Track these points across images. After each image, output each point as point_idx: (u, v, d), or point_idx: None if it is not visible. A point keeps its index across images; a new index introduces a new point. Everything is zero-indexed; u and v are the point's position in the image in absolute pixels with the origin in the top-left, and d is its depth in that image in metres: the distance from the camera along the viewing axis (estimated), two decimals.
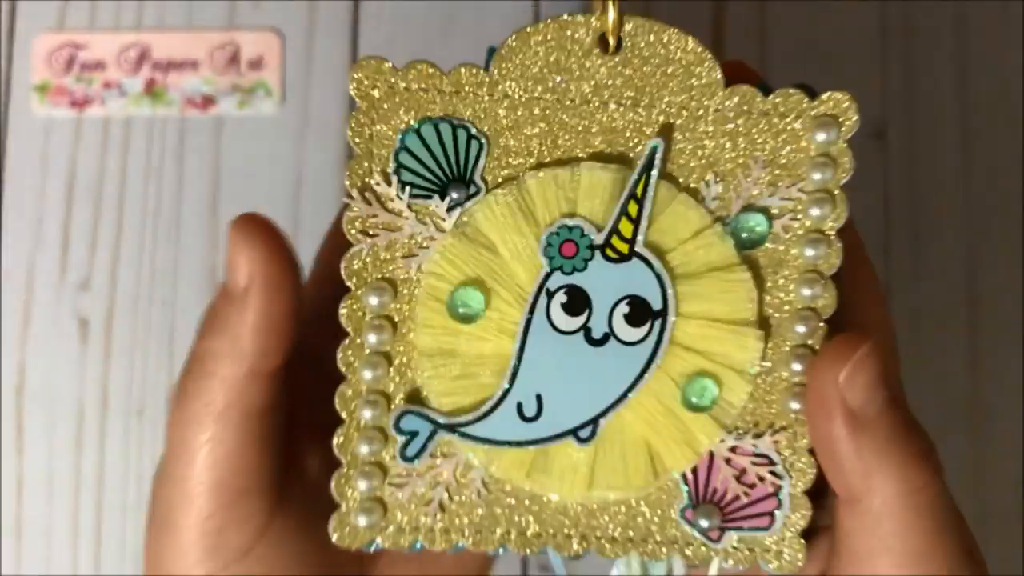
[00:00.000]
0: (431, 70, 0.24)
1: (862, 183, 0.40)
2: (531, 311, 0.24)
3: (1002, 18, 0.44)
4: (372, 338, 0.24)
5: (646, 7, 0.43)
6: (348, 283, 0.24)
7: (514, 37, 0.24)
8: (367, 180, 0.24)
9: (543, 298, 0.24)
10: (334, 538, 0.25)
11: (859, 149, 0.41)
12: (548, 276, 0.24)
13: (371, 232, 0.24)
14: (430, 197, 0.24)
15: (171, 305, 0.43)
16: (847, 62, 0.44)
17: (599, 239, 0.24)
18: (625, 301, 0.24)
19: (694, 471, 0.25)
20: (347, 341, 0.24)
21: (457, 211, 0.24)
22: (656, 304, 0.24)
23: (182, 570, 0.25)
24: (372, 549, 0.25)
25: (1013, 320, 0.43)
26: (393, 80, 0.24)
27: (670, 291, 0.24)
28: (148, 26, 0.44)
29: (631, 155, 0.24)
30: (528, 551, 0.25)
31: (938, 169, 0.43)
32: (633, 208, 0.24)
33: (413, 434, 0.24)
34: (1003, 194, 0.43)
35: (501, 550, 0.25)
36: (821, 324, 0.24)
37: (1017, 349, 0.42)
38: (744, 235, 0.24)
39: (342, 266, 0.24)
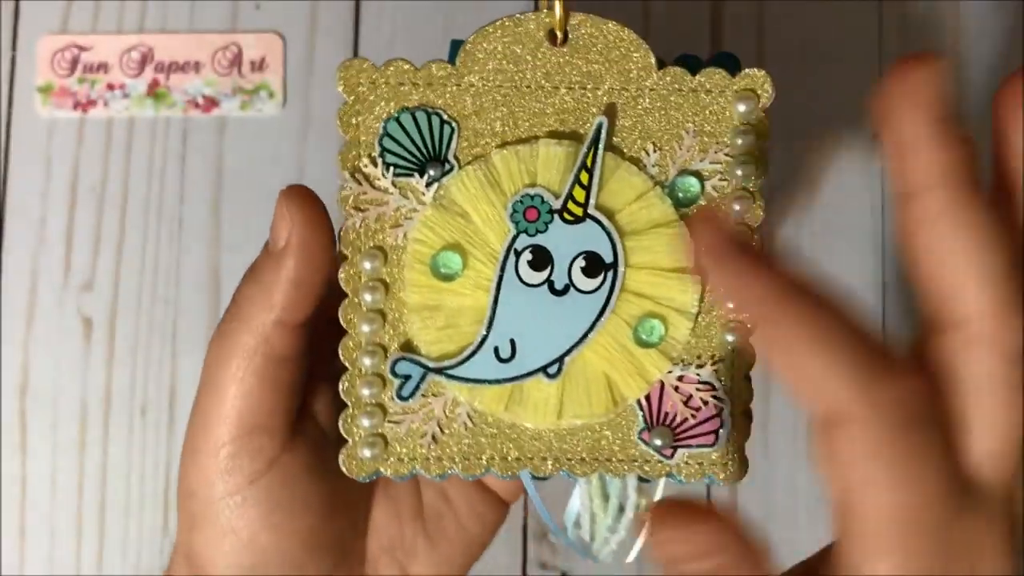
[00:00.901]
0: (406, 66, 0.28)
1: (859, 183, 0.43)
2: (502, 268, 0.28)
3: (999, 17, 0.44)
4: (368, 297, 0.28)
5: (645, 8, 0.44)
6: (344, 251, 0.28)
7: (475, 35, 0.28)
8: (356, 163, 0.28)
9: (512, 257, 0.28)
10: (343, 469, 0.29)
11: (856, 149, 0.43)
12: (515, 238, 0.28)
13: (362, 207, 0.28)
14: (411, 175, 0.28)
15: (173, 304, 0.43)
16: (844, 61, 0.44)
17: (557, 204, 0.28)
18: (582, 256, 0.28)
19: (647, 398, 0.29)
20: (347, 301, 0.28)
21: (435, 186, 0.28)
22: (608, 258, 0.28)
23: (201, 487, 0.29)
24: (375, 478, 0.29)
25: None
26: (374, 76, 0.28)
27: (619, 246, 0.28)
28: (151, 28, 0.44)
29: (581, 131, 0.28)
30: (510, 474, 0.29)
31: None
32: (585, 177, 0.28)
33: (407, 377, 0.28)
34: None
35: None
36: None
37: None
38: (680, 195, 0.28)
39: (339, 236, 0.28)
